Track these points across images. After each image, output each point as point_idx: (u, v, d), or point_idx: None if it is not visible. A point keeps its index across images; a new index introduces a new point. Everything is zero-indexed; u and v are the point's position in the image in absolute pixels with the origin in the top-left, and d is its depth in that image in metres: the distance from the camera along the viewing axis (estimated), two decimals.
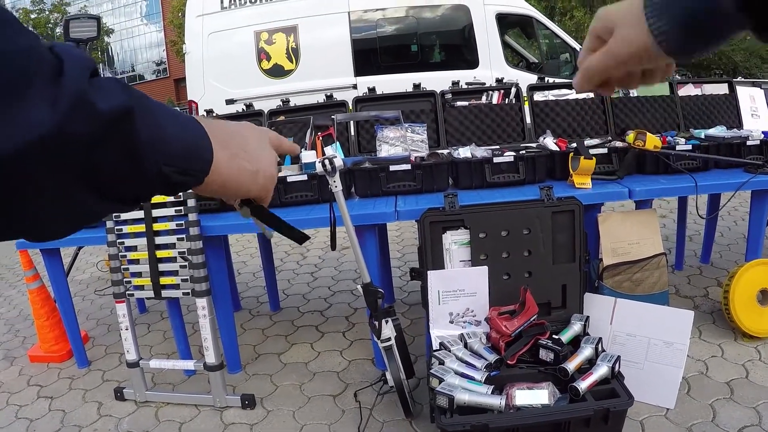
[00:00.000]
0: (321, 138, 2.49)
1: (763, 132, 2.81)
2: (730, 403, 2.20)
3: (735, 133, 2.87)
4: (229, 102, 6.03)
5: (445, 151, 2.79)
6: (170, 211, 2.42)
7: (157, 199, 2.42)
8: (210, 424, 2.35)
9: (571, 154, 2.49)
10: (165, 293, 2.48)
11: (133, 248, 2.50)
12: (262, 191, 0.63)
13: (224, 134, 0.57)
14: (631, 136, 2.58)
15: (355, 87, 6.12)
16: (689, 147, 2.65)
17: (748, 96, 3.23)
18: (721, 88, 3.26)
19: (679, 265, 3.61)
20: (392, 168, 2.56)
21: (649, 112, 3.09)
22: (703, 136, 2.85)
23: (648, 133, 2.55)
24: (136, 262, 2.50)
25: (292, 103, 3.10)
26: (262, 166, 0.62)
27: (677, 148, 2.63)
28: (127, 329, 2.49)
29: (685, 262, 3.65)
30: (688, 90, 3.22)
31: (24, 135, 0.36)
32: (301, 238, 0.77)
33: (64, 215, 0.43)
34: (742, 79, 3.37)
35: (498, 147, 2.85)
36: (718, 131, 2.87)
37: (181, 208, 2.40)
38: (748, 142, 2.67)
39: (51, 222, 0.43)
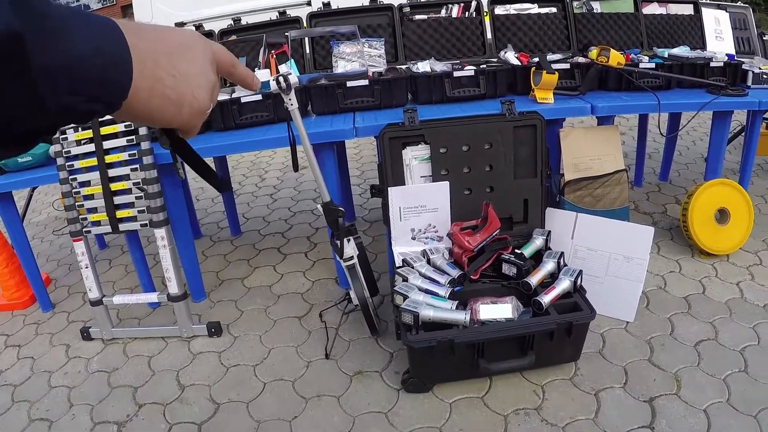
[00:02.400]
0: (275, 56, 2.38)
1: (726, 54, 2.80)
2: (688, 317, 2.28)
3: (699, 53, 2.84)
4: (179, 25, 5.70)
5: (404, 66, 2.71)
6: (122, 142, 2.31)
7: (107, 130, 2.30)
8: (179, 355, 2.34)
9: (533, 69, 2.44)
10: (122, 227, 2.40)
11: (87, 183, 2.40)
12: (186, 125, 0.54)
13: (152, 49, 0.47)
14: (594, 52, 2.54)
15: (309, 3, 5.86)
16: (653, 65, 2.62)
17: (713, 18, 3.19)
18: (686, 9, 3.21)
19: (639, 181, 3.67)
20: (349, 84, 2.47)
21: (612, 29, 3.05)
22: (666, 56, 2.82)
23: (612, 50, 2.50)
24: (90, 197, 2.40)
25: (243, 22, 2.94)
26: (191, 96, 0.51)
27: (640, 66, 2.59)
28: (87, 267, 2.42)
29: (644, 179, 3.71)
30: (652, 8, 3.17)
31: None
32: (219, 185, 0.67)
33: None
34: (708, 1, 3.32)
35: (458, 61, 2.78)
36: (682, 51, 2.84)
37: (133, 137, 2.29)
38: (712, 64, 2.66)
39: None
